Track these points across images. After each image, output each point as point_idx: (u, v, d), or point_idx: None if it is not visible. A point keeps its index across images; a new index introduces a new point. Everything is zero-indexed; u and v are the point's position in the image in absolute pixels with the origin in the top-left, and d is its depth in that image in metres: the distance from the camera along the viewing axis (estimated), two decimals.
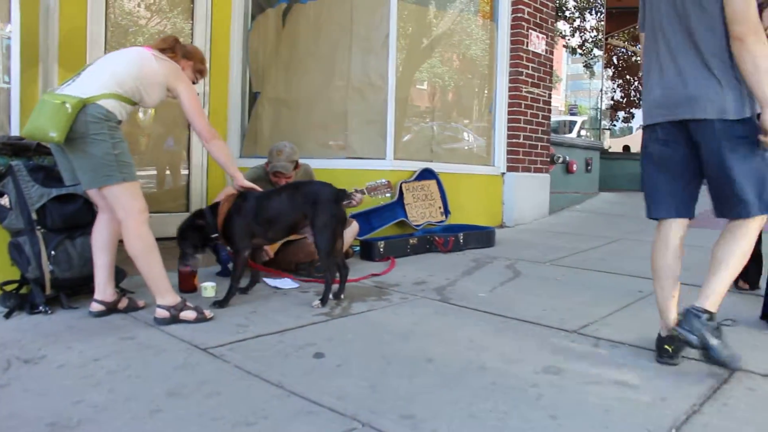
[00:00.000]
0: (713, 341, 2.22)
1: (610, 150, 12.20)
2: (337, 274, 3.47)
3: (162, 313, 2.87)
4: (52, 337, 2.63)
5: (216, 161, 3.26)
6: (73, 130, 2.67)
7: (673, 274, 2.44)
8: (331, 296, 3.34)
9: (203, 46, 5.75)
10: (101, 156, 2.73)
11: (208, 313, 2.94)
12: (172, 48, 3.11)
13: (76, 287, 3.23)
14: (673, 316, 2.41)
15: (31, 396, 2.04)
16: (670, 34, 2.37)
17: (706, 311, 2.26)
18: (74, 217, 3.17)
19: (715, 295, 2.29)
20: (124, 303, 3.09)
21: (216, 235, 3.32)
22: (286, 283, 3.78)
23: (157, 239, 5.32)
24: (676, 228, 2.45)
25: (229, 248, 3.46)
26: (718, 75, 2.24)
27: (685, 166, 2.41)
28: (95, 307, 2.97)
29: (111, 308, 3.02)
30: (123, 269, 3.54)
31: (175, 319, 2.86)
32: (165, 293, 2.90)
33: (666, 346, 2.42)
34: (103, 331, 2.74)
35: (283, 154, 4.09)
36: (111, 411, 1.93)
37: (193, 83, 3.22)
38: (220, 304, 3.19)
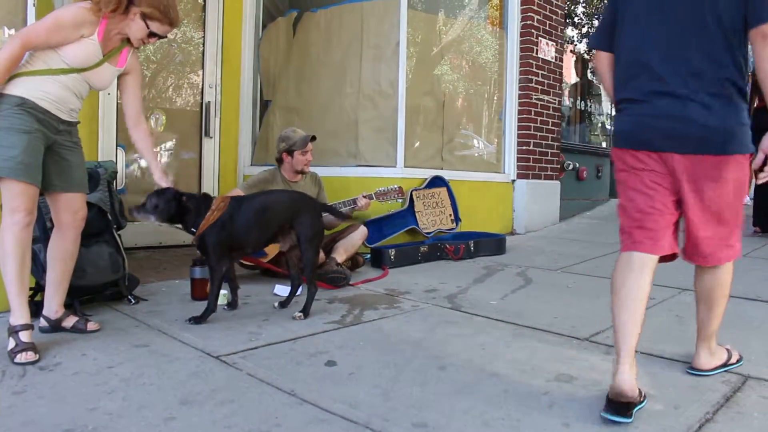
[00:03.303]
0: None
1: None
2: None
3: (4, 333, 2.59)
4: (67, 345, 2.66)
5: None
6: None
7: None
8: (282, 308, 3.37)
9: (214, 54, 5.81)
10: None
11: (27, 355, 2.45)
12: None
13: (89, 295, 3.26)
14: None
15: (47, 403, 2.06)
16: None
17: None
18: (88, 225, 3.18)
19: None
20: (70, 321, 2.86)
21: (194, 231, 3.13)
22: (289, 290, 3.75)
23: (170, 247, 5.43)
24: None
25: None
26: None
27: None
28: (41, 322, 2.85)
29: (55, 326, 2.84)
30: (135, 277, 3.58)
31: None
32: (12, 310, 2.59)
33: None
34: (116, 339, 2.76)
35: (299, 131, 4.19)
36: (126, 418, 1.94)
37: (153, 35, 2.80)
38: (196, 320, 3.04)
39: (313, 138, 4.22)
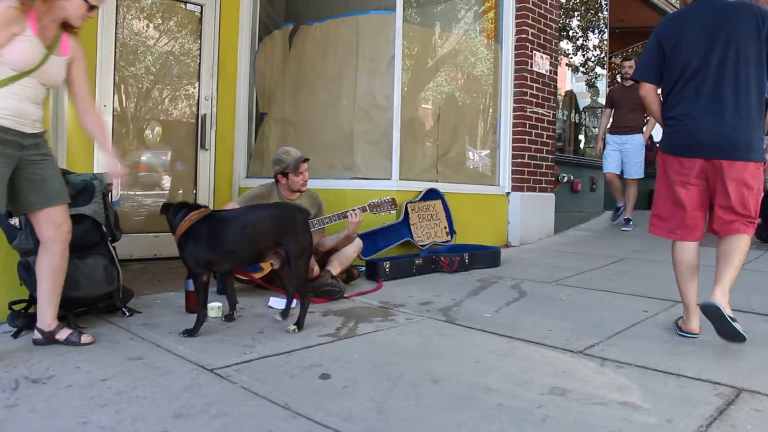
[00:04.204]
0: None
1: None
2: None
3: None
4: (60, 357, 2.65)
5: None
6: None
7: None
8: (284, 319, 3.33)
9: (211, 67, 5.83)
10: None
11: None
12: None
13: (83, 307, 3.25)
14: None
15: (39, 416, 2.06)
16: None
17: None
18: (82, 237, 3.20)
19: None
20: (63, 334, 2.83)
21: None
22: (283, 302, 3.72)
23: (165, 259, 5.43)
24: None
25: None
26: None
27: None
28: (35, 334, 2.84)
29: (49, 338, 2.82)
30: (130, 289, 3.57)
31: None
32: None
33: None
34: (110, 352, 2.76)
35: (291, 152, 4.16)
36: None
37: (93, 8, 2.72)
38: (189, 333, 3.04)
39: (306, 159, 4.22)
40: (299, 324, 3.19)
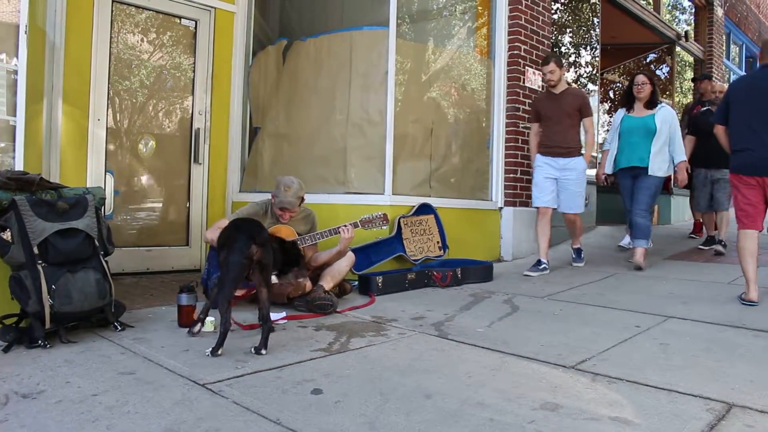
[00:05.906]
0: None
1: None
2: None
3: None
4: (51, 372, 2.64)
5: None
6: None
7: None
8: (252, 350, 3.00)
9: (205, 81, 5.86)
10: None
11: None
12: None
13: (75, 321, 3.24)
14: None
15: None
16: None
17: None
18: (75, 251, 3.20)
19: None
20: None
21: None
22: (277, 315, 3.73)
23: (158, 273, 5.42)
24: None
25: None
26: None
27: None
28: None
29: None
30: (122, 303, 3.56)
31: None
32: None
33: None
34: (101, 366, 2.75)
35: (291, 190, 4.16)
36: None
37: None
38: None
39: (301, 201, 4.26)
40: (257, 348, 3.02)
